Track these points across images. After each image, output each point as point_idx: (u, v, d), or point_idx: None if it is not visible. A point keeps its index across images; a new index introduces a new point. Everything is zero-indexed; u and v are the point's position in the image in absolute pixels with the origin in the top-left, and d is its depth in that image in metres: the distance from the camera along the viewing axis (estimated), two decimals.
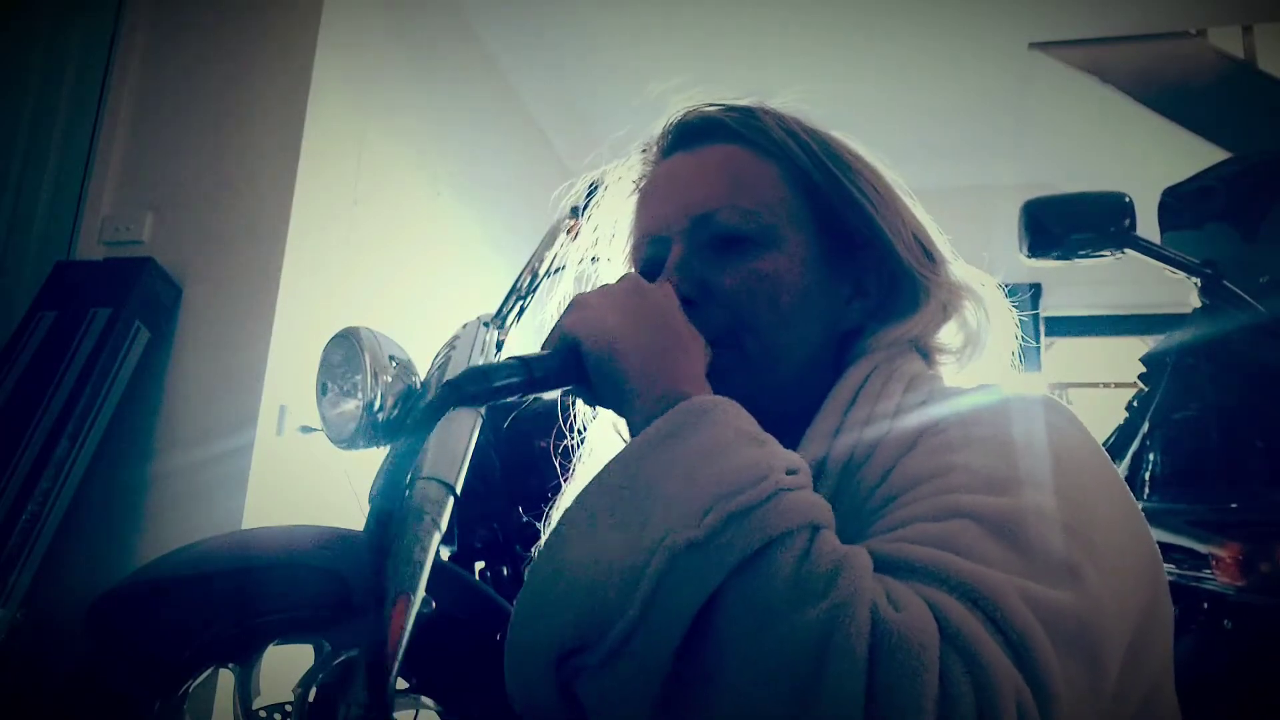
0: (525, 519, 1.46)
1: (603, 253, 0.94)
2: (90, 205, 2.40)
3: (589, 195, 0.98)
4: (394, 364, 1.41)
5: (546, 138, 3.83)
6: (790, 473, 0.59)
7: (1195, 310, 1.52)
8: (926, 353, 0.83)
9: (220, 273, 2.31)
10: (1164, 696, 0.67)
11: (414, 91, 2.90)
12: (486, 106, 3.39)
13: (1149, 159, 3.35)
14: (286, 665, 1.34)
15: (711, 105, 0.87)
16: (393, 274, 2.65)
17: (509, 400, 0.70)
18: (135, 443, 2.19)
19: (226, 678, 1.32)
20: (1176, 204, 1.61)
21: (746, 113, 0.84)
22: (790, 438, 0.71)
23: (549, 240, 1.56)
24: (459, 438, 1.33)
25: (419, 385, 1.43)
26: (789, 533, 0.55)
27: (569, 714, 0.60)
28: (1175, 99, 3.20)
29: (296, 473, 2.16)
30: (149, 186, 2.42)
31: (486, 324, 1.45)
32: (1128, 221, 1.43)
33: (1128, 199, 1.44)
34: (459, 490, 1.27)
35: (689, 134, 0.86)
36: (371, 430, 1.40)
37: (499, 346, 1.45)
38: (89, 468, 2.07)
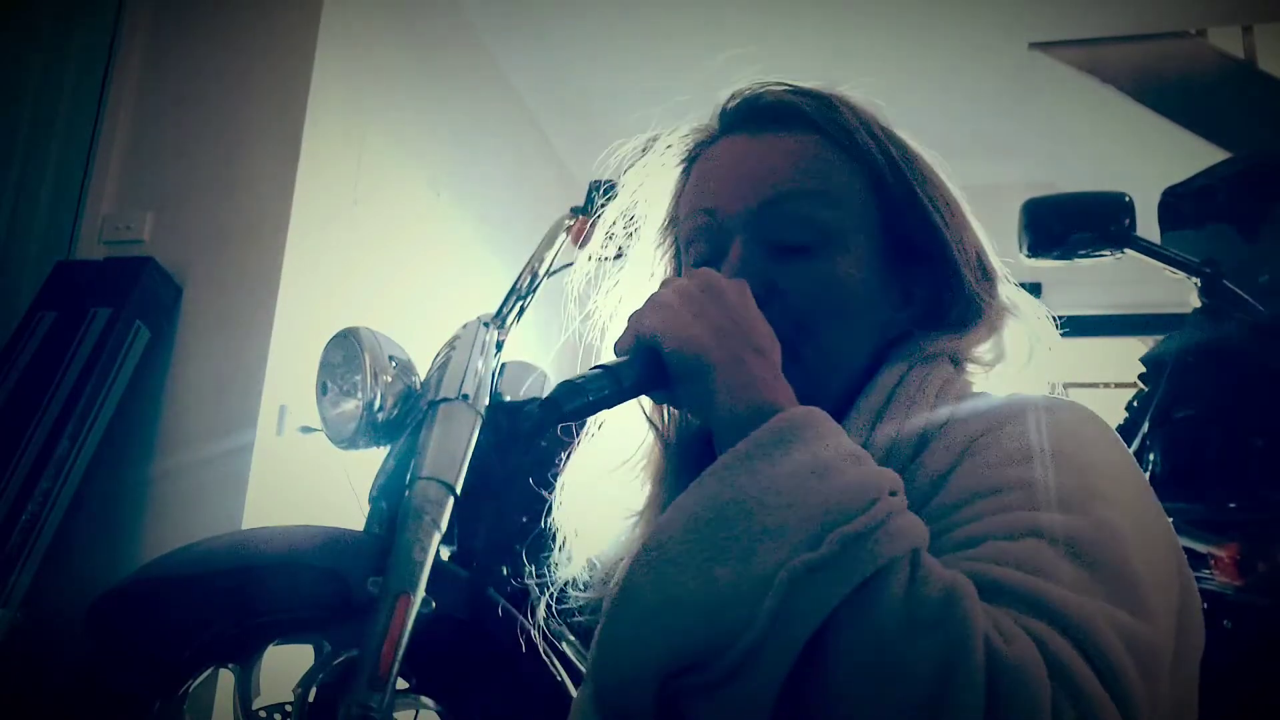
0: (525, 519, 1.45)
1: (639, 215, 0.88)
2: (90, 205, 2.40)
3: (606, 194, 0.93)
4: (394, 364, 1.41)
5: (546, 138, 3.83)
6: (893, 493, 0.58)
7: (1195, 310, 1.52)
8: (958, 360, 0.81)
9: (220, 273, 2.31)
10: (1190, 708, 0.68)
11: (414, 92, 2.90)
12: (487, 106, 3.39)
13: (1149, 159, 3.35)
14: (286, 665, 1.34)
15: (783, 86, 0.81)
16: (393, 274, 2.65)
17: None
18: (135, 443, 2.19)
19: (226, 678, 1.32)
20: (1176, 204, 1.61)
21: (824, 102, 0.79)
22: None
23: (549, 240, 1.56)
24: (459, 438, 1.34)
25: (419, 385, 1.43)
26: (899, 558, 0.54)
27: None
28: (1175, 99, 3.20)
29: (296, 473, 2.16)
30: (149, 186, 2.42)
31: (486, 324, 1.45)
32: (1128, 221, 1.43)
33: (1128, 199, 1.44)
34: (459, 490, 1.27)
35: (759, 114, 0.80)
36: (371, 430, 1.40)
37: (499, 346, 1.45)
38: (89, 468, 2.07)
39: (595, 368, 0.66)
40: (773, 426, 0.61)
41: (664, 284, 0.71)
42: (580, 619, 0.86)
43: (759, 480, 0.58)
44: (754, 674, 0.54)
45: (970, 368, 0.81)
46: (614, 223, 0.89)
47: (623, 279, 0.88)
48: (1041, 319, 0.83)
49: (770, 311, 0.72)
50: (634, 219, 0.88)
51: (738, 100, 0.82)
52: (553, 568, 0.88)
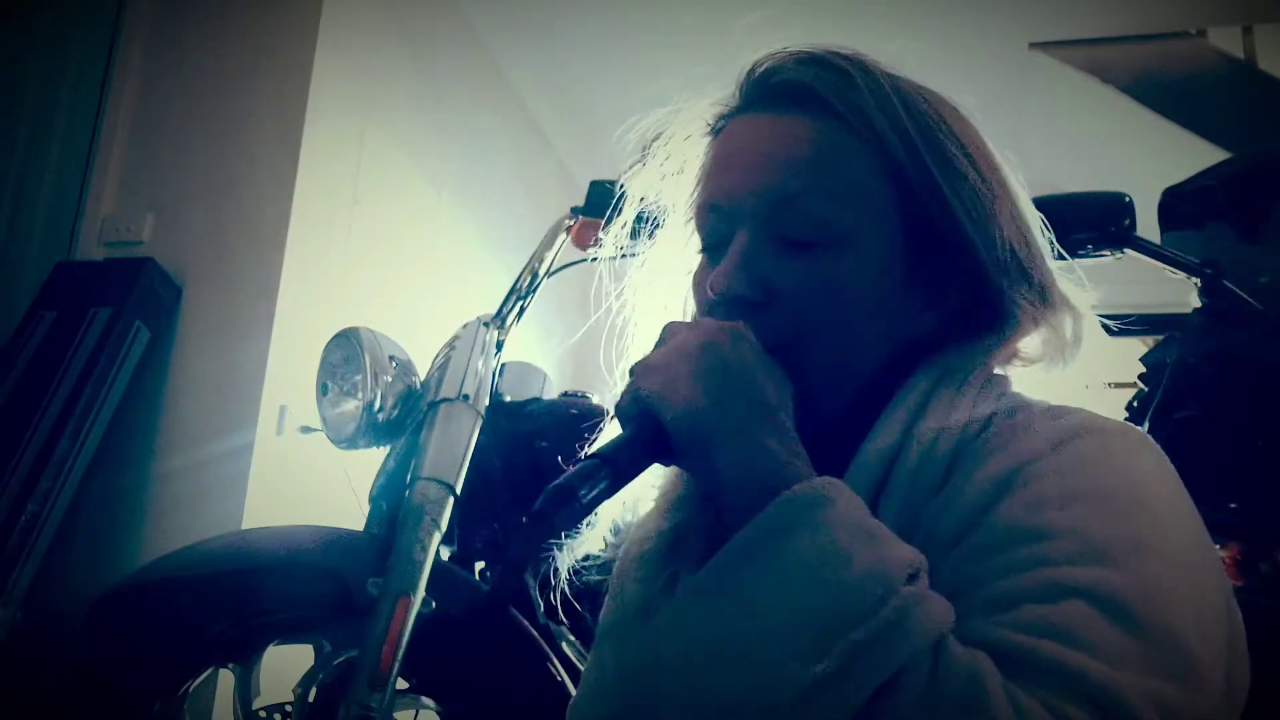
0: (525, 519, 1.45)
1: (667, 194, 0.83)
2: (90, 205, 2.40)
3: (630, 170, 0.86)
4: (394, 364, 1.41)
5: (546, 138, 3.82)
6: (911, 577, 0.54)
7: (1195, 310, 1.52)
8: (993, 367, 0.75)
9: (220, 273, 2.31)
10: None
11: (414, 91, 2.90)
12: (486, 106, 3.39)
13: (1149, 159, 3.35)
14: (286, 665, 1.34)
15: (803, 57, 0.74)
16: (393, 274, 2.65)
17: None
18: (135, 443, 2.19)
19: (226, 678, 1.32)
20: (1176, 204, 1.61)
21: (842, 78, 0.72)
22: (845, 448, 0.67)
23: (549, 240, 1.56)
24: (459, 438, 1.34)
25: (419, 385, 1.43)
26: (918, 655, 0.51)
27: None
28: (1175, 99, 3.20)
29: (296, 473, 2.16)
30: (149, 187, 2.42)
31: (486, 324, 1.45)
32: (1128, 221, 1.43)
33: (1128, 199, 1.44)
34: (459, 490, 1.27)
35: (775, 92, 0.75)
36: (371, 430, 1.40)
37: (499, 346, 1.45)
38: (89, 468, 2.07)
39: (589, 459, 0.62)
40: (777, 509, 0.56)
41: (663, 337, 0.68)
42: (594, 578, 0.84)
43: (766, 574, 0.54)
44: None
45: (1011, 370, 0.76)
46: (642, 200, 0.84)
47: (651, 258, 0.84)
48: (1086, 316, 0.76)
49: (769, 311, 0.69)
50: (659, 195, 0.83)
51: (755, 74, 0.76)
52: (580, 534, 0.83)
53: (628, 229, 0.86)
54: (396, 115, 2.79)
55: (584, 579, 0.86)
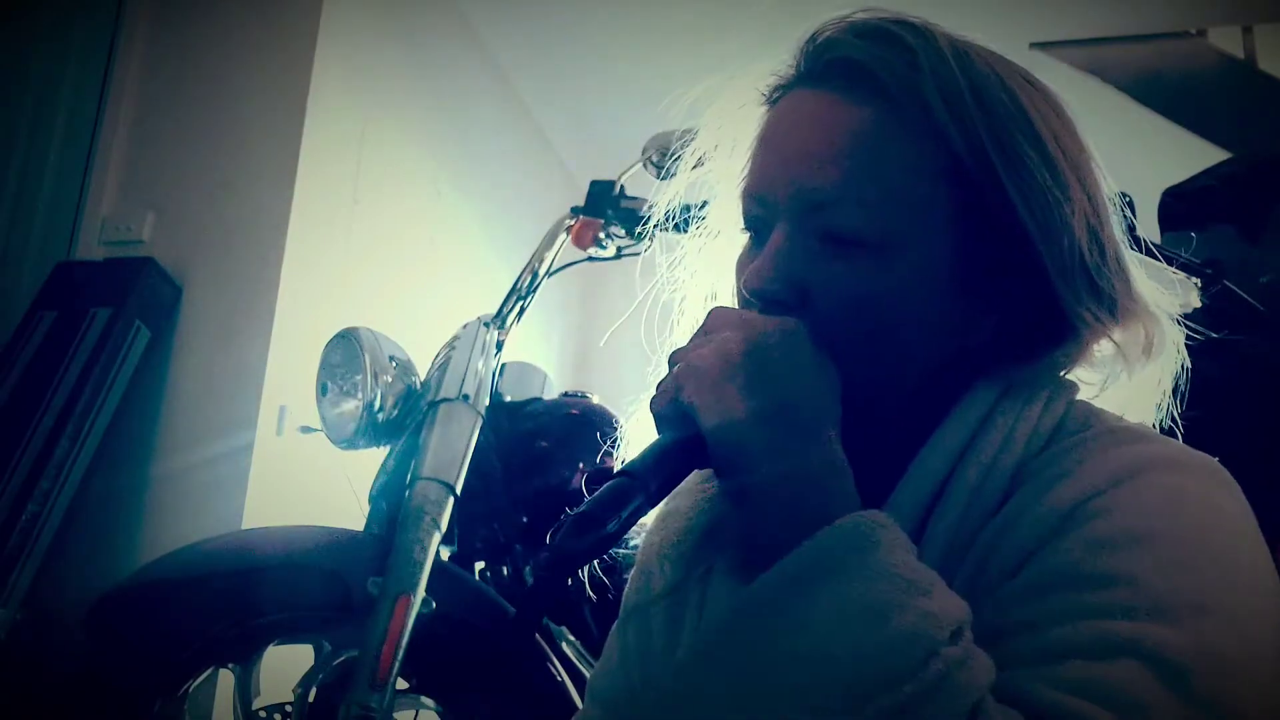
0: (525, 519, 1.45)
1: (718, 167, 0.76)
2: (90, 205, 2.40)
3: (681, 140, 0.79)
4: (394, 364, 1.41)
5: (546, 136, 3.82)
6: (955, 635, 0.50)
7: (1196, 311, 1.52)
8: (1060, 386, 0.69)
9: (220, 273, 2.31)
10: None
11: (414, 91, 2.90)
12: (487, 106, 3.39)
13: (1149, 159, 3.35)
14: (286, 665, 1.34)
15: (867, 29, 0.66)
16: (393, 274, 2.65)
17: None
18: (135, 443, 2.19)
19: (226, 678, 1.32)
20: (1177, 204, 1.61)
21: (905, 59, 0.64)
22: (888, 467, 0.63)
23: (549, 240, 1.56)
24: (459, 438, 1.34)
25: (419, 385, 1.43)
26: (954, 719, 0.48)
27: None
28: (1175, 99, 3.20)
29: (296, 473, 2.16)
30: (149, 186, 2.42)
31: (487, 324, 1.45)
32: (1128, 222, 1.43)
33: (1128, 199, 1.44)
34: (459, 490, 1.27)
35: (830, 69, 0.67)
36: (371, 430, 1.40)
37: (499, 346, 1.45)
38: (89, 468, 2.07)
39: (618, 480, 0.55)
40: (814, 548, 0.52)
41: (706, 330, 0.62)
42: (620, 552, 0.81)
43: (794, 623, 0.51)
44: None
45: (1081, 385, 0.70)
46: (694, 167, 0.78)
47: (703, 230, 0.78)
48: (1173, 332, 0.70)
49: (802, 317, 0.63)
50: (710, 171, 0.77)
51: (816, 43, 0.68)
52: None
53: (679, 201, 0.81)
54: (396, 115, 2.79)
55: (611, 555, 0.84)
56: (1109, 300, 0.65)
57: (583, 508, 0.53)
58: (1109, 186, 0.69)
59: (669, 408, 0.59)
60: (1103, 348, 0.69)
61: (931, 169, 0.64)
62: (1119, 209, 0.70)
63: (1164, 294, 0.70)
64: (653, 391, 0.61)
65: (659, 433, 0.60)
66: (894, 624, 0.49)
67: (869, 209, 0.63)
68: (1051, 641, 0.52)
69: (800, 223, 0.65)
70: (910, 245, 0.63)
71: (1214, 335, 1.23)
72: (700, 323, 0.64)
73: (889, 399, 0.66)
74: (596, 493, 0.55)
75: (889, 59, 0.64)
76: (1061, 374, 0.69)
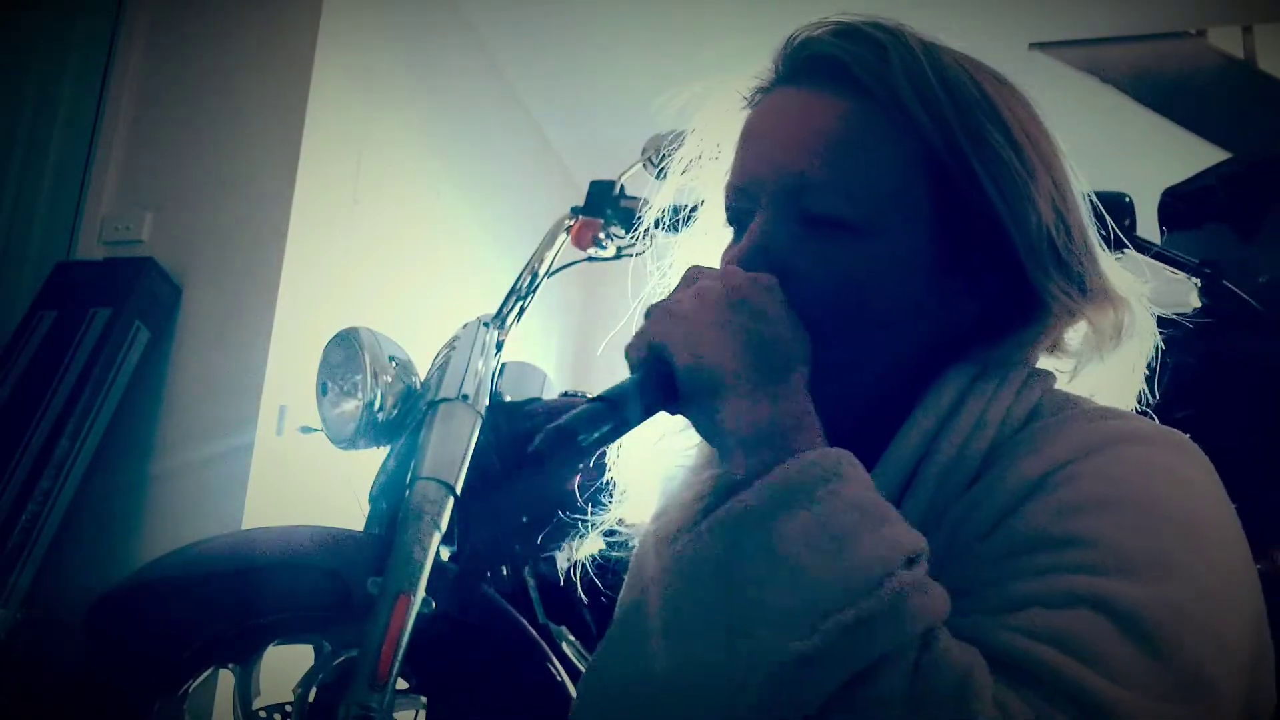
0: (525, 519, 1.45)
1: (705, 172, 0.79)
2: (90, 205, 2.40)
3: (671, 143, 0.82)
4: (394, 364, 1.41)
5: (546, 136, 3.82)
6: (912, 561, 0.52)
7: (1195, 310, 1.52)
8: (1032, 366, 0.71)
9: (220, 273, 2.31)
10: None
11: (414, 91, 2.90)
12: (486, 105, 3.39)
13: (1149, 159, 3.35)
14: (286, 665, 1.34)
15: (840, 30, 0.70)
16: (393, 274, 2.65)
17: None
18: (135, 443, 2.19)
19: (226, 678, 1.32)
20: (1176, 204, 1.61)
21: (877, 55, 0.68)
22: (867, 444, 0.64)
23: (549, 240, 1.56)
24: (459, 438, 1.34)
25: (419, 385, 1.43)
26: (905, 645, 0.50)
27: None
28: (1175, 99, 3.20)
29: (296, 473, 2.16)
30: (149, 186, 2.42)
31: (487, 324, 1.45)
32: (1128, 221, 1.43)
33: (1128, 199, 1.44)
34: (459, 490, 1.27)
35: (808, 66, 0.71)
36: (371, 430, 1.40)
37: (499, 346, 1.45)
38: (89, 468, 2.07)
39: (593, 402, 0.59)
40: (783, 477, 0.54)
41: (687, 279, 0.65)
42: (617, 555, 0.82)
43: (767, 543, 0.52)
44: None
45: (1054, 365, 0.72)
46: (684, 173, 0.80)
47: (691, 235, 0.81)
48: (1143, 316, 0.72)
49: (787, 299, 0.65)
50: (697, 176, 0.80)
51: (792, 45, 0.72)
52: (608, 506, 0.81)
53: (668, 209, 0.83)
54: (396, 115, 2.79)
55: (606, 555, 0.84)
56: (1077, 278, 0.68)
57: (559, 421, 0.57)
58: (1080, 182, 0.71)
59: (642, 348, 0.61)
60: (1074, 332, 0.71)
61: (907, 157, 0.66)
62: (1088, 201, 0.71)
63: (1134, 280, 0.72)
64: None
65: (631, 374, 0.62)
66: (855, 547, 0.51)
67: (850, 192, 0.65)
68: (1011, 595, 0.54)
69: (782, 207, 0.67)
70: (890, 229, 0.66)
71: (1213, 335, 1.24)
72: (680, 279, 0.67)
73: (868, 381, 0.68)
74: (574, 410, 0.58)
75: (863, 55, 0.68)
76: (1033, 355, 0.70)
